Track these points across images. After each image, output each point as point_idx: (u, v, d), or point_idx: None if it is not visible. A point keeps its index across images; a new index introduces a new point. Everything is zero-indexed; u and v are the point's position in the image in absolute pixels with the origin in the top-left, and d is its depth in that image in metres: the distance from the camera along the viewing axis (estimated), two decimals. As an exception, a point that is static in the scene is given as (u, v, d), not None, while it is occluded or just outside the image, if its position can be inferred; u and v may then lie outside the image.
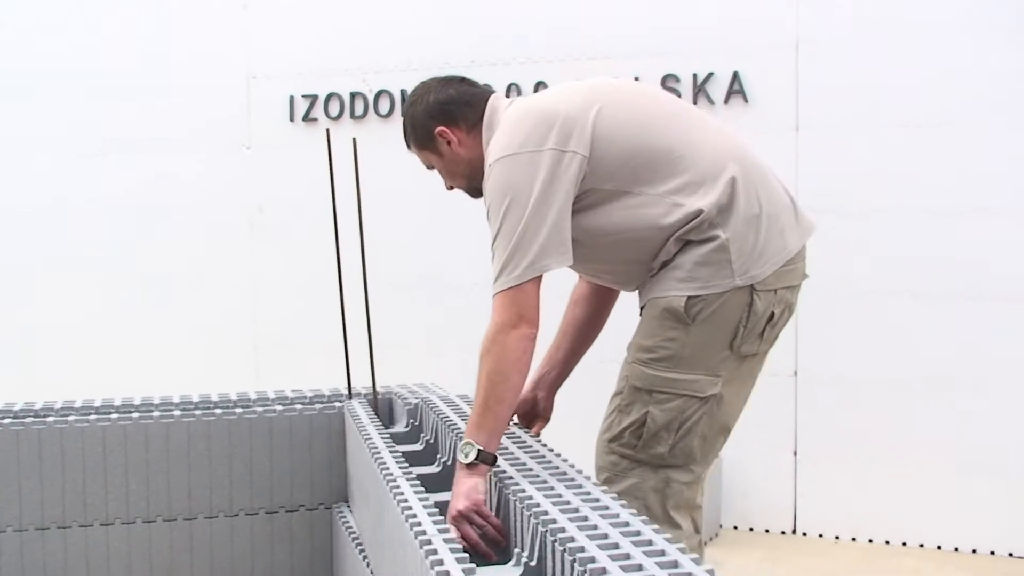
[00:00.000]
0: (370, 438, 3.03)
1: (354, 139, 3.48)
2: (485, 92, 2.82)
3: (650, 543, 1.97)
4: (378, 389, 3.68)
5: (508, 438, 2.82)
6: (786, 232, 2.62)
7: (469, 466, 2.44)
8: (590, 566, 1.83)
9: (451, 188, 2.92)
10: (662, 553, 1.94)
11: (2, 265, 5.51)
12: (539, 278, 2.50)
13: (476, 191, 2.78)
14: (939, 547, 4.50)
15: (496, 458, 2.49)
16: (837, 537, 4.65)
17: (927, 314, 4.47)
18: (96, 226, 5.51)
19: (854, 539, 4.62)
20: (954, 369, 4.44)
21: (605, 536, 2.01)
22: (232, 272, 5.47)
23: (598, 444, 2.79)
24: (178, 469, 3.63)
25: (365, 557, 3.10)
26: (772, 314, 2.62)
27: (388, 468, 2.65)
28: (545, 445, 2.80)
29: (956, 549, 4.48)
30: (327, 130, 3.55)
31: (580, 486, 2.38)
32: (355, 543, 3.27)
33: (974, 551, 4.45)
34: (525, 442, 2.83)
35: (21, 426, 3.52)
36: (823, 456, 4.67)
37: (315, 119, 5.38)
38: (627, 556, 1.89)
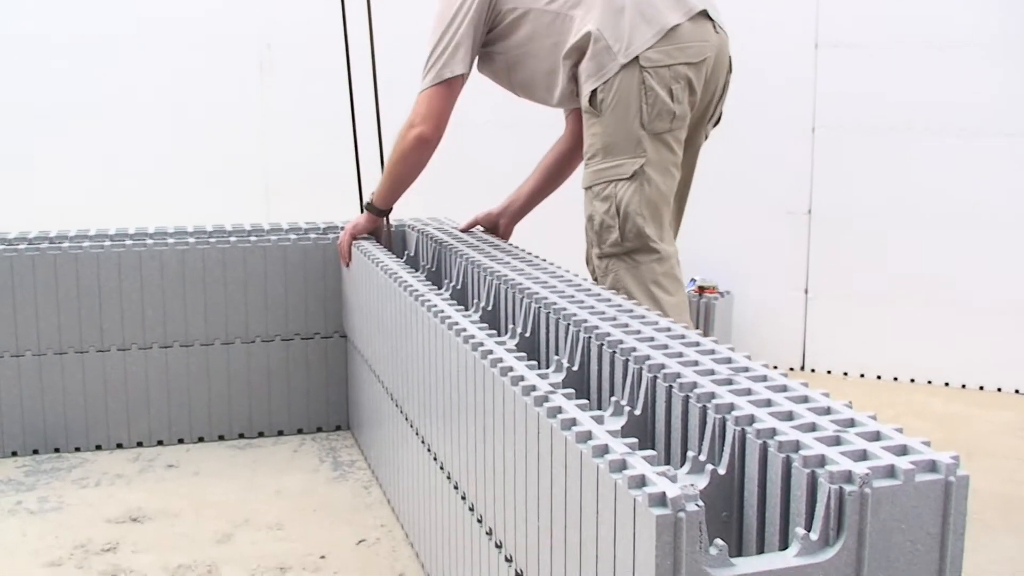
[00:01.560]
0: (384, 263, 3.04)
1: (365, -33, 3.41)
2: None
3: (683, 337, 2.02)
4: (390, 222, 3.68)
5: (528, 263, 2.86)
6: (663, 11, 2.88)
7: (366, 208, 3.49)
8: (648, 363, 1.87)
9: None
10: (697, 344, 2.00)
11: (14, 102, 5.44)
12: (447, 87, 3.02)
13: None
14: (947, 383, 4.54)
15: (381, 212, 3.45)
16: (845, 373, 4.69)
17: (943, 151, 4.42)
18: (99, 66, 5.43)
19: (862, 375, 4.66)
20: (966, 207, 4.41)
21: (652, 339, 2.05)
22: (241, 112, 5.40)
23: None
24: (194, 296, 3.66)
25: (381, 382, 3.14)
26: (671, 90, 2.86)
27: (414, 286, 2.67)
28: (560, 267, 2.84)
29: (963, 386, 4.51)
30: (338, -42, 3.47)
31: (603, 297, 2.43)
32: (371, 370, 3.31)
33: (981, 388, 4.48)
34: (541, 264, 2.87)
35: (36, 251, 3.53)
36: (834, 294, 4.68)
37: (325, -48, 5.24)
38: (669, 349, 1.93)
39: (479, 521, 2.14)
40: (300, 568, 2.77)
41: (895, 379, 4.63)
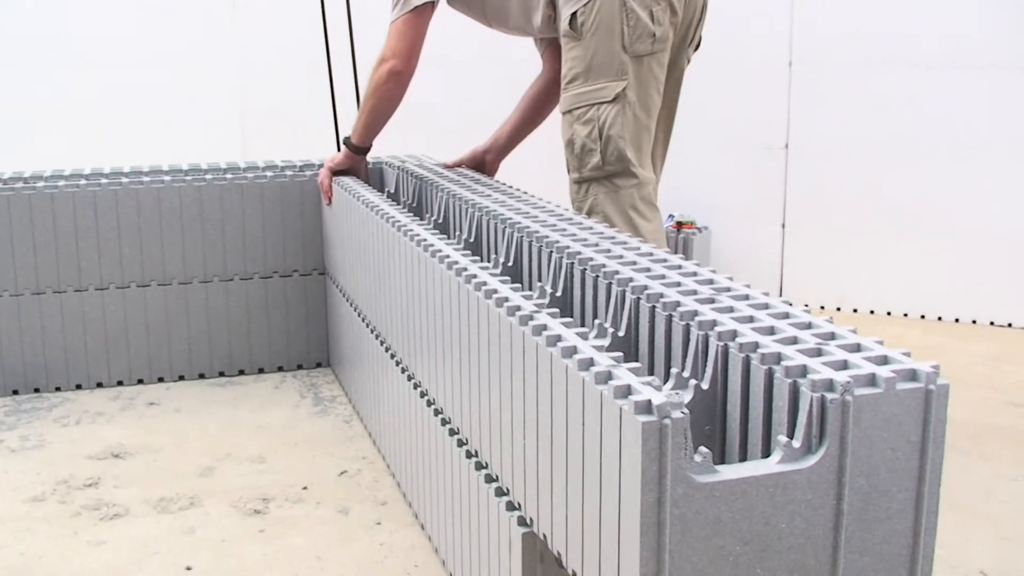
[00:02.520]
0: (365, 197, 3.03)
1: None
2: None
3: (665, 260, 2.03)
4: (368, 159, 3.66)
5: (509, 196, 2.85)
6: None
7: (344, 144, 3.41)
8: (631, 285, 1.87)
9: None
10: (680, 267, 2.00)
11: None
12: (417, 15, 3.03)
13: None
14: (923, 316, 4.57)
15: (359, 149, 3.38)
16: (823, 307, 4.71)
17: (920, 84, 4.42)
18: (72, 5, 5.35)
19: (839, 308, 4.69)
20: (944, 139, 4.42)
21: (634, 262, 2.06)
22: (215, 50, 5.34)
23: None
24: (171, 234, 3.64)
25: (362, 316, 3.14)
26: (652, 12, 2.85)
27: (395, 217, 2.66)
28: (543, 198, 2.83)
29: (939, 318, 4.55)
30: None
31: (585, 225, 2.44)
32: (351, 305, 3.31)
33: (957, 320, 4.52)
34: (522, 196, 2.87)
35: (11, 191, 3.50)
36: (811, 228, 4.69)
37: None
38: (647, 270, 1.93)
39: (460, 444, 2.15)
40: (283, 499, 2.79)
41: (872, 312, 4.66)
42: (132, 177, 3.70)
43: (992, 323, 4.49)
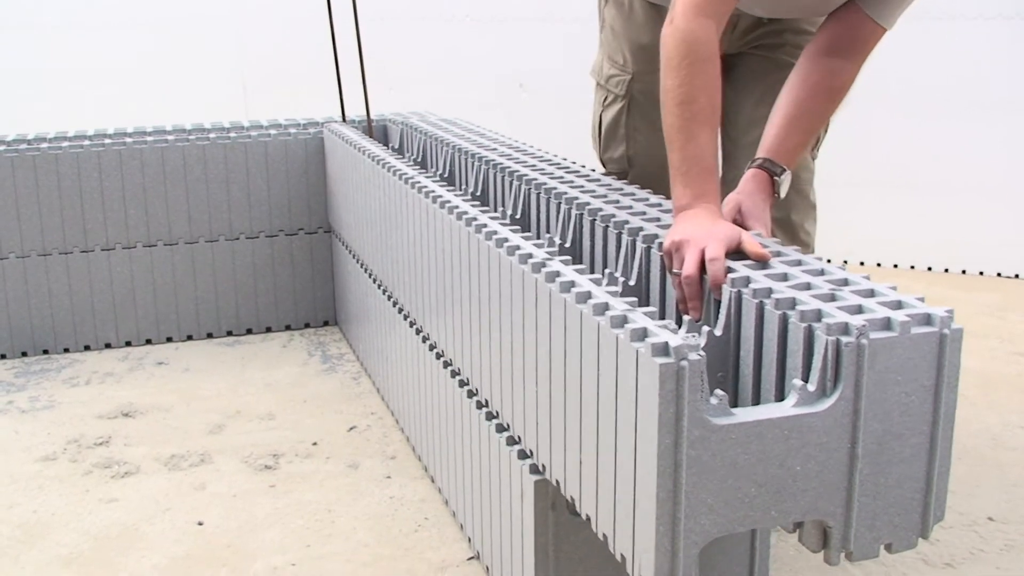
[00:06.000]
0: (371, 151, 3.01)
1: None
2: None
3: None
4: (372, 116, 3.64)
5: (516, 150, 2.82)
6: None
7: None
8: (641, 234, 1.86)
9: None
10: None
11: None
12: None
13: None
14: (929, 268, 4.57)
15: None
16: (829, 260, 4.68)
17: (924, 36, 4.39)
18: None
19: (846, 262, 4.68)
20: (948, 91, 4.39)
21: (644, 212, 2.03)
22: (217, 8, 5.32)
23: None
24: (176, 194, 3.63)
25: (371, 274, 3.13)
26: None
27: (402, 170, 2.65)
28: (548, 151, 2.81)
29: (946, 270, 4.54)
30: None
31: (592, 176, 2.43)
32: (358, 262, 3.30)
33: (964, 272, 4.52)
34: (529, 150, 2.85)
35: (15, 153, 3.49)
36: (816, 181, 4.67)
37: None
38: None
39: (470, 395, 2.15)
40: (293, 455, 2.79)
41: (878, 264, 4.66)
42: (136, 137, 3.68)
43: (999, 274, 4.48)
